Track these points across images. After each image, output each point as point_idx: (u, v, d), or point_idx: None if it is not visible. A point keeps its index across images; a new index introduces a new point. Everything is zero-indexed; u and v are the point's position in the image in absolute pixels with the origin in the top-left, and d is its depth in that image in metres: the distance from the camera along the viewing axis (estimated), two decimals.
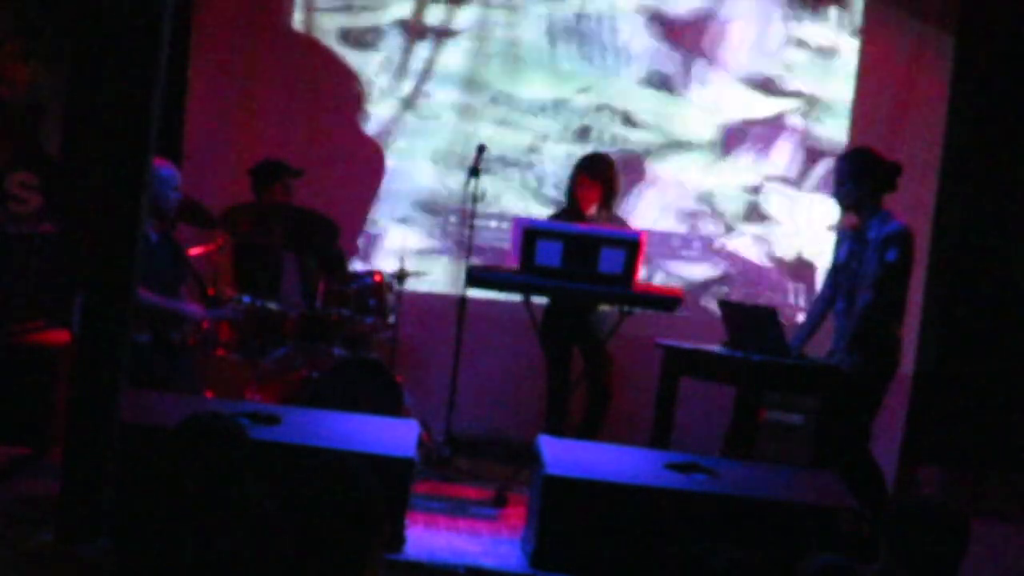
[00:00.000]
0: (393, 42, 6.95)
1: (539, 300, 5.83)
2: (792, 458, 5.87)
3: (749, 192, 6.92)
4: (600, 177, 6.08)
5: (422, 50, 6.93)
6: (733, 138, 6.90)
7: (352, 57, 6.97)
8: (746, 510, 4.44)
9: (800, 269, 6.89)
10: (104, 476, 4.16)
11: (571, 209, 6.14)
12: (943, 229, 6.45)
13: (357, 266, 6.67)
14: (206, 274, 6.01)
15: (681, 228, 6.92)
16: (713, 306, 6.31)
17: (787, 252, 6.91)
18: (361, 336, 6.03)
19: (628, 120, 6.92)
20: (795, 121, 6.88)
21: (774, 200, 6.91)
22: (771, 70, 6.87)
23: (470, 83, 6.93)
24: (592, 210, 6.09)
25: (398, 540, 4.44)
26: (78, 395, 4.21)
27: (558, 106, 6.92)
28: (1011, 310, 6.36)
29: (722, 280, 6.91)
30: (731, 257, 6.94)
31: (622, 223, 6.12)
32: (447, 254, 6.92)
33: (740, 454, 5.16)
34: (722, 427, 5.49)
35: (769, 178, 6.90)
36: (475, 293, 6.10)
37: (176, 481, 2.99)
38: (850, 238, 5.36)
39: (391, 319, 6.08)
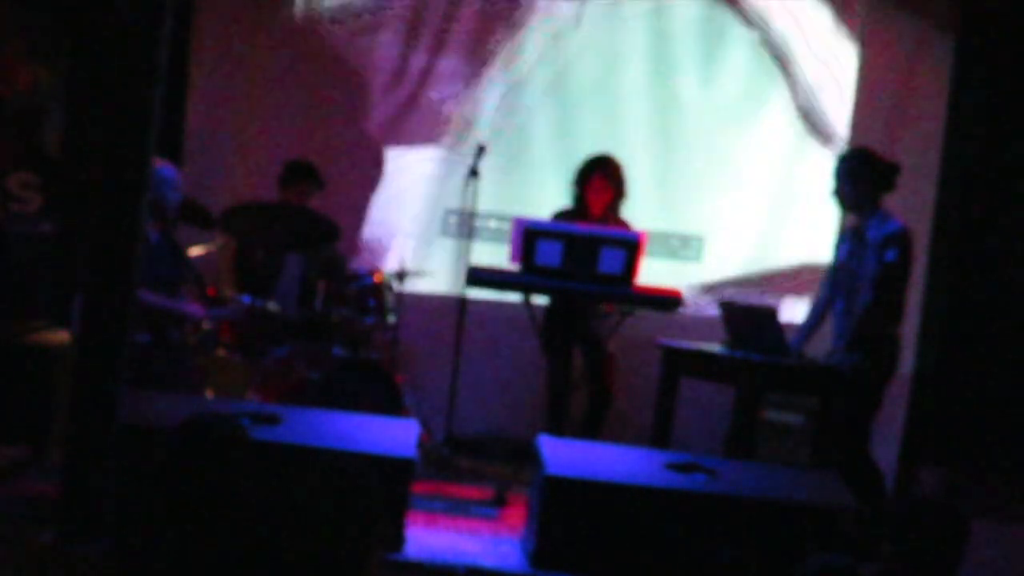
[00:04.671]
0: (394, 41, 6.96)
1: (539, 300, 5.85)
2: (792, 458, 5.87)
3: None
4: (614, 179, 6.08)
5: (423, 48, 6.94)
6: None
7: (353, 56, 6.97)
8: (746, 510, 4.44)
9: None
10: (104, 476, 4.16)
11: (578, 209, 6.13)
12: (943, 229, 6.45)
13: (357, 266, 6.67)
14: (206, 274, 6.01)
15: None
16: None
17: None
18: (361, 336, 6.03)
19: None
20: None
21: None
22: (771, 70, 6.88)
23: (471, 80, 6.95)
24: (599, 212, 6.08)
25: (398, 540, 4.44)
26: (78, 395, 4.21)
27: None
28: (1011, 310, 6.35)
29: None
30: None
31: (627, 227, 6.12)
32: (447, 254, 6.92)
33: (740, 454, 5.16)
34: (722, 427, 5.49)
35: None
36: (475, 293, 6.10)
37: (176, 481, 2.98)
38: (849, 238, 5.37)
39: (391, 319, 6.08)
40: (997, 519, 5.59)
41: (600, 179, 6.07)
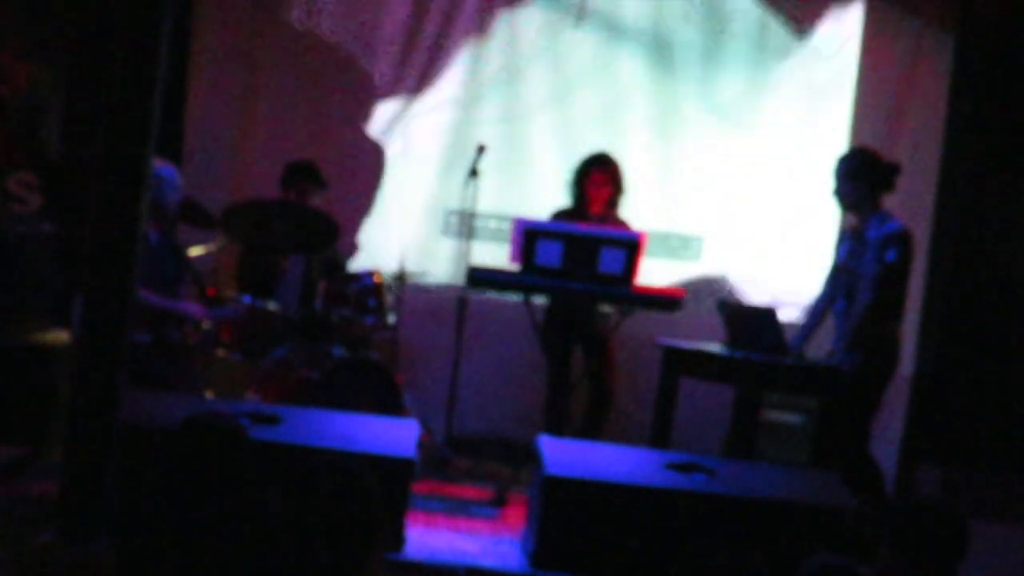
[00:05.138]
0: (394, 40, 6.96)
1: (540, 300, 5.85)
2: (792, 458, 5.87)
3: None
4: (612, 175, 6.08)
5: (423, 47, 6.94)
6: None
7: (353, 56, 6.97)
8: (746, 510, 4.44)
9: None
10: (104, 476, 4.16)
11: (577, 208, 6.13)
12: (943, 229, 6.45)
13: (357, 266, 6.67)
14: (206, 274, 6.01)
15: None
16: None
17: None
18: (361, 336, 6.03)
19: None
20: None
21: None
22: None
23: (472, 80, 6.95)
24: (597, 210, 6.08)
25: (398, 540, 4.44)
26: (78, 395, 4.21)
27: None
28: (1011, 310, 6.35)
29: None
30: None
31: (626, 227, 6.11)
32: (447, 254, 6.92)
33: (740, 454, 5.16)
34: (722, 427, 5.49)
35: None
36: (475, 293, 6.10)
37: (176, 481, 2.99)
38: (849, 238, 5.37)
39: (391, 319, 6.08)
40: (997, 519, 5.60)
41: (599, 175, 6.08)
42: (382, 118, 6.99)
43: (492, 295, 6.16)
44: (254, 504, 2.99)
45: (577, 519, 4.40)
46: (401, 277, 6.22)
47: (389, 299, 6.06)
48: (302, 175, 6.32)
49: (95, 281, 4.21)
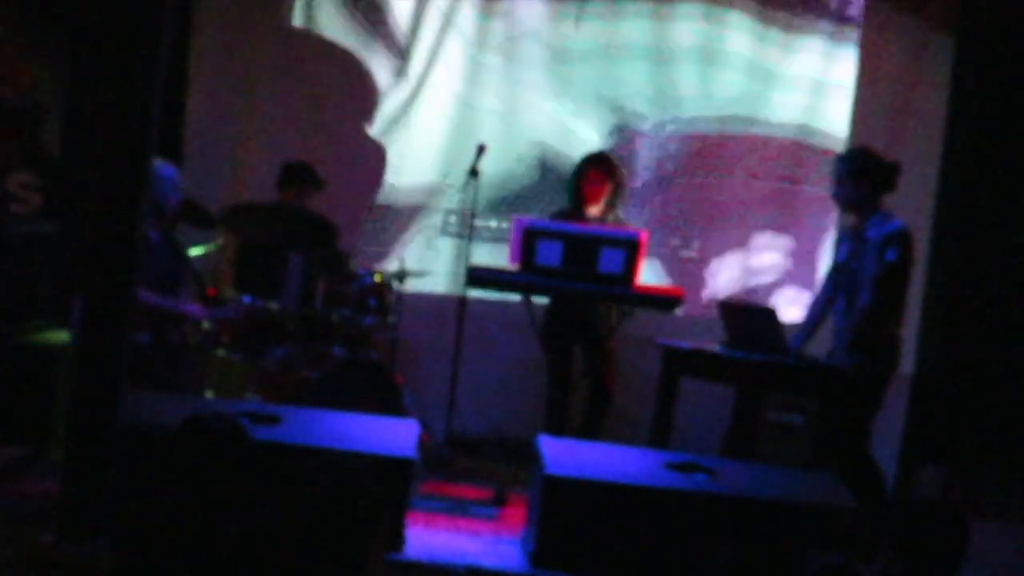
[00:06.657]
0: (395, 40, 6.96)
1: (540, 300, 5.84)
2: (792, 458, 5.86)
3: None
4: (610, 174, 6.06)
5: (423, 47, 6.94)
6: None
7: (353, 56, 6.97)
8: (746, 510, 4.44)
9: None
10: (104, 476, 4.16)
11: (574, 208, 6.12)
12: (943, 229, 6.44)
13: (357, 266, 6.67)
14: (206, 274, 6.01)
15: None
16: None
17: None
18: (361, 336, 6.03)
19: None
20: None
21: None
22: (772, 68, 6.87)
23: (471, 81, 6.95)
24: (596, 209, 6.07)
25: (398, 540, 4.44)
26: (78, 395, 4.21)
27: None
28: (1011, 310, 6.35)
29: None
30: None
31: (625, 225, 6.11)
32: (447, 254, 6.92)
33: (740, 454, 5.16)
34: (722, 427, 5.48)
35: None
36: (475, 293, 6.10)
37: (176, 481, 2.98)
38: (849, 238, 5.37)
39: (391, 319, 6.08)
40: (997, 519, 5.60)
41: (595, 173, 6.06)
42: (382, 118, 6.99)
43: (492, 295, 6.15)
44: (254, 504, 2.98)
45: (577, 519, 4.40)
46: (401, 277, 6.22)
47: (389, 299, 6.07)
48: (299, 176, 6.33)
49: (95, 281, 4.21)
